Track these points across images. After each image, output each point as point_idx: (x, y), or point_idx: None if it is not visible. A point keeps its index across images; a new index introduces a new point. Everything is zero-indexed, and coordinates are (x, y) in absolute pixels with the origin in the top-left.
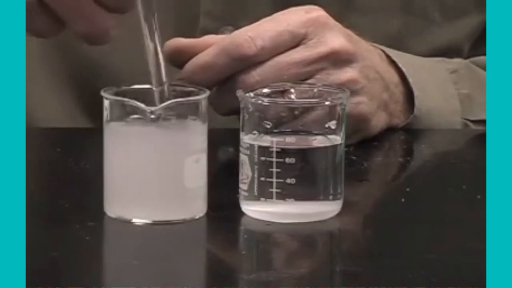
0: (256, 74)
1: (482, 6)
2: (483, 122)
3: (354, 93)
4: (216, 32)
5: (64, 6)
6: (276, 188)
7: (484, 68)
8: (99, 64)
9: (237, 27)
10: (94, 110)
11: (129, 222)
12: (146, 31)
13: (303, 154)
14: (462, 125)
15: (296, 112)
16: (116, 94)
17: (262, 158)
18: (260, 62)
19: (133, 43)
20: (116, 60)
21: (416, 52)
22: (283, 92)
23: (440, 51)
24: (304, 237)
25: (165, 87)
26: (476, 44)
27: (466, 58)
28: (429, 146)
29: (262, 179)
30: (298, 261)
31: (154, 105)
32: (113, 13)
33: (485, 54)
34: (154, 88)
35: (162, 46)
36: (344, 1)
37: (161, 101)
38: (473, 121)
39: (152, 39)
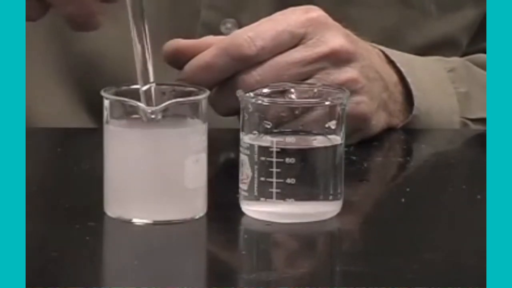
0: (256, 74)
1: None
2: (481, 120)
3: (354, 92)
4: (217, 24)
5: None
6: (276, 188)
7: (482, 66)
8: (101, 63)
9: (238, 19)
10: (95, 109)
11: (129, 222)
12: (134, 30)
13: (303, 154)
14: (461, 124)
15: (296, 112)
16: (116, 94)
17: (262, 158)
18: (260, 62)
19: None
20: (118, 58)
21: (412, 45)
22: (283, 92)
23: (437, 44)
24: (304, 237)
25: (152, 87)
26: (475, 38)
27: (465, 52)
28: (429, 146)
29: (262, 179)
30: (298, 261)
31: (154, 105)
32: (101, 1)
33: (484, 48)
34: (140, 87)
35: (152, 45)
36: None
37: (147, 101)
38: (471, 120)
39: (140, 38)
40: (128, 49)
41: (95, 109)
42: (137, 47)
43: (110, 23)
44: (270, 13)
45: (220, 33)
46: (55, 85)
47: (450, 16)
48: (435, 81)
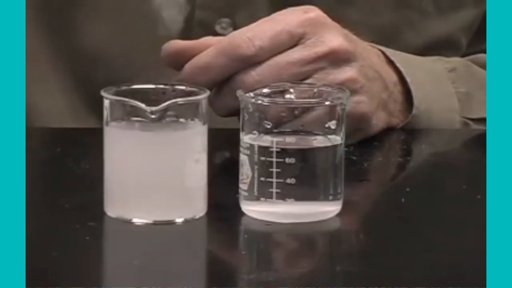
0: (255, 74)
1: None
2: (482, 120)
3: (353, 92)
4: (212, 24)
5: None
6: (276, 188)
7: (482, 66)
8: (103, 61)
9: (233, 19)
10: (97, 108)
11: (129, 222)
12: None
13: (303, 154)
14: (461, 123)
15: (296, 112)
16: (116, 94)
17: (262, 158)
18: (259, 62)
19: (135, 38)
20: (120, 56)
21: (411, 46)
22: (283, 92)
23: (436, 45)
24: (304, 237)
25: None
26: (475, 39)
27: (465, 52)
28: (429, 146)
29: (262, 179)
30: (298, 261)
31: (154, 105)
32: None
33: (484, 49)
34: None
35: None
36: None
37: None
38: (472, 120)
39: None
40: (130, 46)
41: (96, 108)
42: None
43: (111, 20)
44: (265, 13)
45: (216, 33)
46: (56, 84)
47: (449, 17)
48: (435, 81)
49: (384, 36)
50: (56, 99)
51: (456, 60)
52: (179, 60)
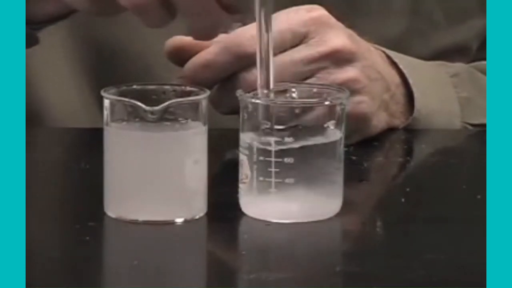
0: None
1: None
2: (482, 126)
3: (355, 92)
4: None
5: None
6: (275, 188)
7: (484, 73)
8: (117, 60)
9: (243, 21)
10: None
11: (129, 222)
12: (259, 38)
13: (302, 154)
14: (462, 128)
15: (296, 112)
16: (117, 94)
17: (261, 158)
18: None
19: (154, 40)
20: (134, 56)
21: (420, 55)
22: (283, 92)
23: (444, 54)
24: (304, 237)
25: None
26: (483, 46)
27: (473, 58)
28: (429, 146)
29: (261, 179)
30: (298, 261)
31: (154, 105)
32: (229, 12)
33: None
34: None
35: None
36: (349, 3)
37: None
38: (472, 125)
39: (263, 44)
40: (145, 47)
41: None
42: (259, 52)
43: (132, 21)
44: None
45: None
46: (72, 82)
47: (458, 26)
48: (437, 84)
49: (394, 46)
50: (71, 97)
51: (458, 66)
52: (182, 56)
